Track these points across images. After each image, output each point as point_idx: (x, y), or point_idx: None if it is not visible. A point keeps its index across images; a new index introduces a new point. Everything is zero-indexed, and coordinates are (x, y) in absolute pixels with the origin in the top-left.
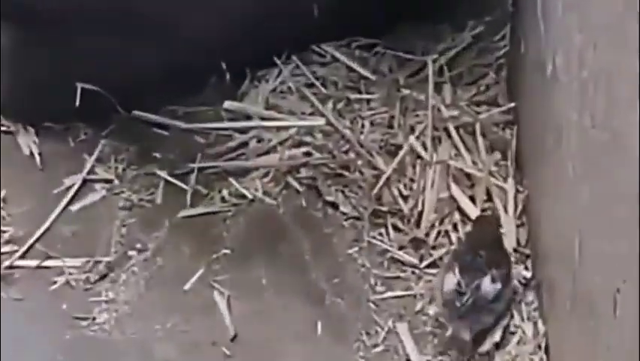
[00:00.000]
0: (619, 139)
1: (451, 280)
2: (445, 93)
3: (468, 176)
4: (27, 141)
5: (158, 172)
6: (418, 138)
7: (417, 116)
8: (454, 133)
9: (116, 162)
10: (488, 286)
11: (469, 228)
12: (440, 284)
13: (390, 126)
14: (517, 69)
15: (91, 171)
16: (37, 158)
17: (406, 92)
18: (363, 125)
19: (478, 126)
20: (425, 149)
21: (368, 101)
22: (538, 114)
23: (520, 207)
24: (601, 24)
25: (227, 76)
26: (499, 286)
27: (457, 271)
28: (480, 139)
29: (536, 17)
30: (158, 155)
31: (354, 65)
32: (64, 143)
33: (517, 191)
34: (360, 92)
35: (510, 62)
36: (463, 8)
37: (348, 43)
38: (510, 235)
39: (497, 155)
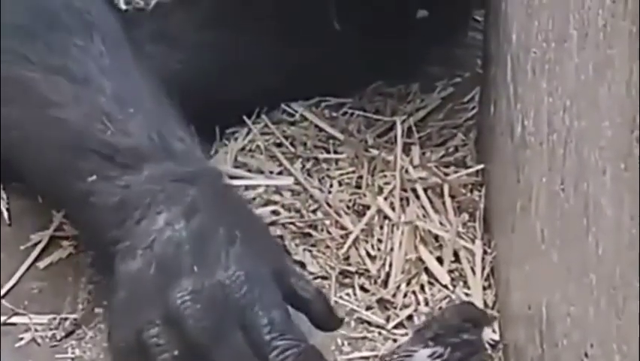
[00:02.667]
0: (588, 204)
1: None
2: (413, 154)
3: (436, 237)
4: None
5: None
6: (386, 198)
7: (385, 176)
8: (422, 194)
9: None
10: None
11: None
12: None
13: (359, 186)
14: (487, 131)
15: (58, 228)
16: (5, 214)
17: (374, 152)
18: (331, 185)
19: (446, 188)
20: (393, 210)
21: (336, 161)
22: (507, 177)
23: (487, 269)
24: (571, 88)
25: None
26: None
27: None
28: (448, 200)
29: (506, 80)
30: None
31: (323, 125)
32: (32, 199)
33: (485, 253)
34: (328, 152)
35: (479, 123)
36: (433, 70)
37: (318, 103)
38: (477, 297)
39: (465, 216)
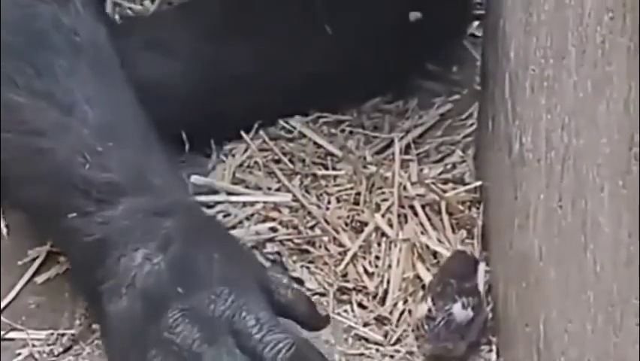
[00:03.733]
0: (586, 221)
1: (423, 308)
2: (411, 171)
3: (434, 254)
4: None
5: None
6: (383, 215)
7: (383, 193)
8: (420, 211)
9: None
10: (460, 311)
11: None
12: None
13: (357, 203)
14: (485, 148)
15: None
16: (4, 230)
17: (372, 169)
18: (329, 202)
19: (444, 205)
20: (391, 226)
21: (335, 177)
22: (505, 193)
23: (485, 286)
24: (569, 105)
25: (192, 150)
26: (470, 313)
27: (429, 299)
28: (446, 217)
29: (504, 97)
30: None
31: (322, 141)
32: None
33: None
34: (327, 169)
35: (477, 140)
36: (431, 86)
37: (316, 119)
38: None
39: (463, 233)
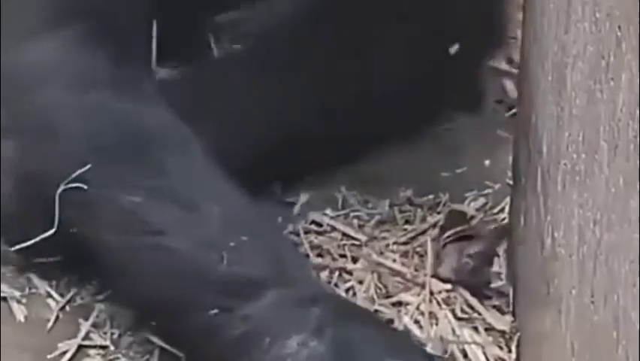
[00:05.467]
0: (618, 316)
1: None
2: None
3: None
4: (20, 306)
5: (153, 339)
6: (412, 314)
7: (409, 289)
8: (449, 312)
9: (112, 328)
10: None
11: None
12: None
13: (389, 296)
14: (517, 242)
15: (86, 337)
16: (32, 322)
17: (401, 266)
18: (354, 294)
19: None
20: (418, 324)
21: (363, 271)
22: (536, 288)
23: None
24: (601, 200)
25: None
26: None
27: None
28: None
29: (536, 191)
30: None
31: (352, 234)
32: (59, 308)
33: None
34: (355, 262)
35: (509, 235)
36: (463, 180)
37: (347, 214)
38: None
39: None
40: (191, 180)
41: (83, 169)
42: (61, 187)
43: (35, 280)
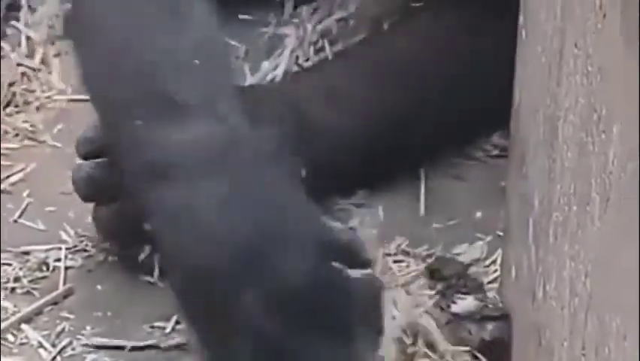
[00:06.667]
0: None
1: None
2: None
3: None
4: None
5: None
6: None
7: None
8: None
9: None
10: None
11: None
12: None
13: None
14: (508, 294)
15: None
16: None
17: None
18: None
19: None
20: None
21: None
22: (528, 339)
23: None
24: (593, 253)
25: None
26: None
27: None
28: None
29: (528, 243)
30: None
31: None
32: None
33: None
34: None
35: (500, 286)
36: (454, 233)
37: None
38: None
39: None
40: None
41: None
42: None
43: (28, 330)
